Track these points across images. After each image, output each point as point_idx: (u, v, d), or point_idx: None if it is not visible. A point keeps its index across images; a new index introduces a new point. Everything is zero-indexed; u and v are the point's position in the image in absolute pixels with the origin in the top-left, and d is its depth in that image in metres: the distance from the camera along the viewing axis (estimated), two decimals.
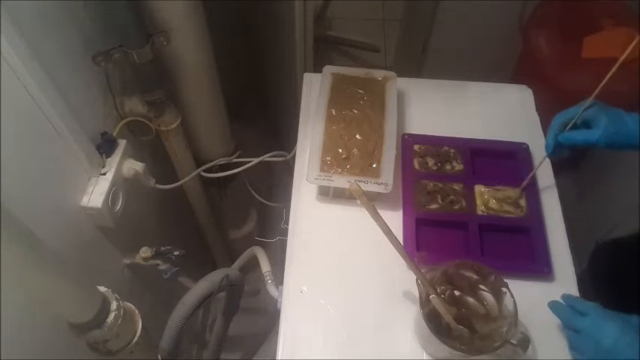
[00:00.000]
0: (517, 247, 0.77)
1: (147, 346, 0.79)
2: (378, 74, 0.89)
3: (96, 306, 0.66)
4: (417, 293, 0.63)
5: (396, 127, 0.82)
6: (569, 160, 1.64)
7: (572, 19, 1.39)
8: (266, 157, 1.15)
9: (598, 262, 1.10)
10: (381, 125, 0.82)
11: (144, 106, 0.89)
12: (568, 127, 0.71)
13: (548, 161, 0.85)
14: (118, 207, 0.82)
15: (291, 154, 1.03)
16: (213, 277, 0.86)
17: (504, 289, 0.63)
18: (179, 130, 0.98)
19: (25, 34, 0.59)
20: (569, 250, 0.77)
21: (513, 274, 0.70)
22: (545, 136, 0.86)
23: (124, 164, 0.84)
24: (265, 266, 0.94)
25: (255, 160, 1.13)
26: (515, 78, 1.54)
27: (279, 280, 0.79)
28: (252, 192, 1.32)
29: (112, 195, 0.79)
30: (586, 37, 1.34)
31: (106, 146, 0.81)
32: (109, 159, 0.81)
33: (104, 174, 0.79)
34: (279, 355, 0.69)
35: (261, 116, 1.80)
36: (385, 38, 2.25)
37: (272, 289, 0.86)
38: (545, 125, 0.89)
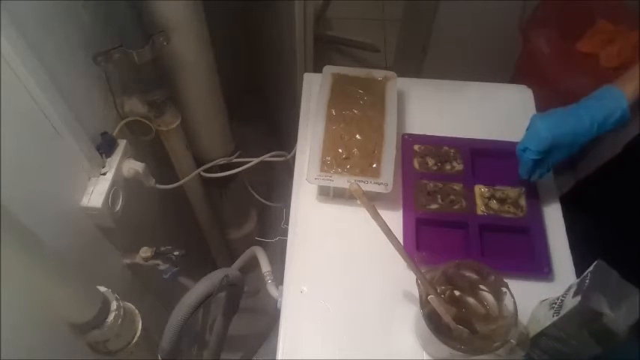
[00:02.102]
0: (517, 247, 0.77)
1: (147, 346, 0.79)
2: (378, 74, 0.89)
3: (96, 306, 0.66)
4: (417, 293, 0.63)
5: (396, 127, 0.82)
6: (569, 160, 1.64)
7: (571, 19, 1.39)
8: (266, 157, 1.15)
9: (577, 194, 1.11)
10: (381, 125, 0.82)
11: (144, 106, 0.89)
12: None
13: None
14: (118, 207, 0.82)
15: (291, 154, 1.03)
16: (213, 277, 0.86)
17: (504, 289, 0.63)
18: (179, 130, 0.98)
19: (25, 34, 0.59)
20: (569, 250, 0.77)
21: (513, 274, 0.70)
22: None
23: (124, 164, 0.84)
24: (265, 266, 0.94)
25: (255, 160, 1.13)
26: (515, 78, 1.54)
27: (279, 280, 0.79)
28: (252, 192, 1.32)
29: (112, 195, 0.79)
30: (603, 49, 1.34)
31: (106, 146, 0.81)
32: (109, 159, 0.81)
33: (104, 174, 0.79)
34: (279, 355, 0.68)
35: (261, 116, 1.80)
36: (385, 38, 2.25)
37: (272, 289, 0.86)
38: None
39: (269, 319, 1.33)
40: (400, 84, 0.88)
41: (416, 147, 0.86)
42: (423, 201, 0.80)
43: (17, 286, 0.57)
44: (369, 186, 0.76)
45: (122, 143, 0.84)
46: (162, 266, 0.93)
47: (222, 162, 1.14)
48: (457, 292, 0.67)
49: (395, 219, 0.78)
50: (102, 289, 0.70)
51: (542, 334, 0.63)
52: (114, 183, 0.79)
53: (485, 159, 0.85)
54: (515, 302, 0.62)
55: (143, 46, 0.78)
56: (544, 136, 0.70)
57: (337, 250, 0.77)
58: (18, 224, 0.51)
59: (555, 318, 0.60)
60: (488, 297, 0.66)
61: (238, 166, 1.14)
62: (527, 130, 0.74)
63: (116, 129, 0.86)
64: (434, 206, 0.80)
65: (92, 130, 0.79)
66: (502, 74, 1.52)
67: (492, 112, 0.92)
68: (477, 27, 1.51)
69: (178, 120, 0.96)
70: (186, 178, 1.07)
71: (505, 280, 0.63)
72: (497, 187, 0.81)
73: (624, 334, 0.55)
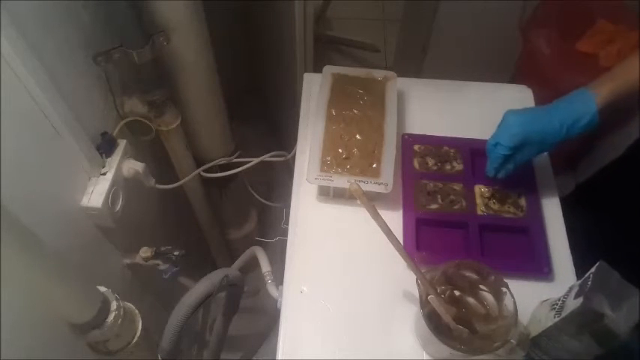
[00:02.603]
0: (517, 247, 0.77)
1: (147, 346, 0.79)
2: (378, 74, 0.89)
3: (96, 306, 0.66)
4: (417, 293, 0.63)
5: (396, 127, 0.82)
6: (569, 160, 1.65)
7: (571, 19, 1.39)
8: (266, 157, 1.15)
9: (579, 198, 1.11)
10: (380, 125, 0.82)
11: (144, 106, 0.89)
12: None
13: (548, 161, 0.86)
14: (118, 207, 0.82)
15: (291, 154, 1.03)
16: (213, 277, 0.86)
17: (504, 289, 0.63)
18: (179, 130, 0.98)
19: (25, 34, 0.59)
20: (569, 250, 0.77)
21: (513, 274, 0.70)
22: None
23: (124, 164, 0.84)
24: (265, 266, 0.94)
25: (255, 160, 1.13)
26: (515, 78, 1.54)
27: (279, 280, 0.79)
28: (252, 192, 1.32)
29: (112, 195, 0.79)
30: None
31: (106, 146, 0.81)
32: (109, 159, 0.81)
33: (104, 174, 0.79)
34: (279, 355, 0.68)
35: (261, 116, 1.80)
36: (385, 38, 2.25)
37: (272, 289, 0.86)
38: None
39: (269, 319, 1.33)
40: (400, 84, 0.88)
41: (416, 147, 0.86)
42: (423, 201, 0.80)
43: (17, 286, 0.57)
44: (369, 186, 0.76)
45: (122, 143, 0.84)
46: (163, 266, 0.93)
47: (222, 162, 1.14)
48: (457, 292, 0.67)
49: (395, 219, 0.78)
50: (102, 289, 0.70)
51: (543, 334, 0.63)
52: (114, 183, 0.79)
53: (485, 159, 0.85)
54: (515, 302, 0.62)
55: (143, 46, 0.78)
56: (515, 132, 0.71)
57: (337, 250, 0.77)
58: (18, 224, 0.51)
59: (557, 319, 0.60)
60: (488, 297, 0.66)
61: (238, 166, 1.14)
62: (499, 125, 0.74)
63: (116, 129, 0.86)
64: (434, 206, 0.80)
65: (92, 130, 0.79)
66: (502, 74, 1.52)
67: (492, 112, 0.92)
68: (477, 27, 1.51)
69: (178, 120, 0.96)
70: (186, 178, 1.07)
71: (505, 280, 0.63)
72: (497, 187, 0.81)
73: (625, 335, 0.55)
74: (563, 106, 0.70)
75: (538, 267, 0.74)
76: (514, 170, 0.75)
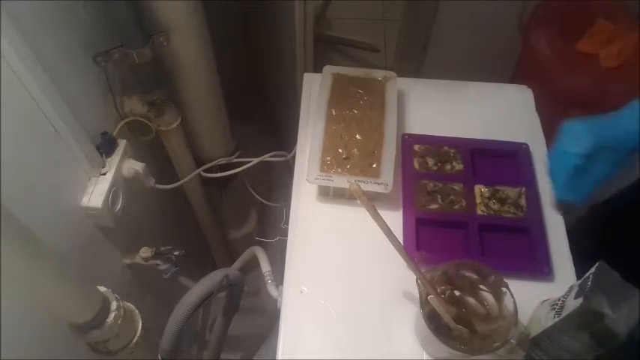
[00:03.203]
0: (517, 247, 0.77)
1: (147, 346, 0.79)
2: (378, 74, 0.89)
3: (96, 306, 0.66)
4: (417, 293, 0.63)
5: (396, 127, 0.82)
6: None
7: (571, 19, 1.39)
8: (266, 157, 1.15)
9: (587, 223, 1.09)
10: (380, 125, 0.82)
11: (144, 106, 0.89)
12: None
13: (547, 161, 0.86)
14: (118, 207, 0.82)
15: (291, 154, 1.03)
16: (213, 277, 0.86)
17: (504, 289, 0.63)
18: (179, 130, 0.98)
19: (25, 34, 0.59)
20: (569, 250, 0.77)
21: (513, 274, 0.70)
22: (544, 136, 0.86)
23: (124, 164, 0.84)
24: (265, 266, 0.94)
25: (255, 160, 1.13)
26: (515, 78, 1.54)
27: (279, 280, 0.79)
28: (252, 192, 1.32)
29: (112, 195, 0.79)
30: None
31: (106, 146, 0.81)
32: (109, 159, 0.81)
33: (104, 174, 0.79)
34: (279, 355, 0.68)
35: (261, 116, 1.80)
36: (385, 38, 2.25)
37: (272, 289, 0.86)
38: (545, 125, 0.89)
39: (269, 319, 1.33)
40: (400, 84, 0.88)
41: (416, 147, 0.86)
42: (423, 201, 0.80)
43: (17, 286, 0.57)
44: (369, 186, 0.76)
45: (122, 143, 0.84)
46: (163, 266, 0.93)
47: (222, 162, 1.14)
48: (457, 292, 0.67)
49: (395, 219, 0.78)
50: (102, 289, 0.70)
51: (543, 334, 0.63)
52: (114, 183, 0.79)
53: (485, 159, 0.85)
54: (515, 302, 0.62)
55: (143, 46, 0.79)
56: (587, 137, 0.63)
57: (337, 250, 0.77)
58: (18, 224, 0.51)
59: (557, 319, 0.60)
60: (488, 297, 0.66)
61: (238, 166, 1.14)
62: (558, 137, 0.67)
63: (116, 129, 0.86)
64: (434, 206, 0.80)
65: (92, 130, 0.79)
66: (502, 74, 1.52)
67: (492, 112, 0.92)
68: (477, 27, 1.51)
69: (178, 120, 0.96)
70: (186, 178, 1.07)
71: (505, 280, 0.63)
72: (497, 187, 0.81)
73: (625, 336, 0.55)
74: (628, 113, 0.63)
75: (538, 267, 0.74)
76: (595, 187, 0.65)
